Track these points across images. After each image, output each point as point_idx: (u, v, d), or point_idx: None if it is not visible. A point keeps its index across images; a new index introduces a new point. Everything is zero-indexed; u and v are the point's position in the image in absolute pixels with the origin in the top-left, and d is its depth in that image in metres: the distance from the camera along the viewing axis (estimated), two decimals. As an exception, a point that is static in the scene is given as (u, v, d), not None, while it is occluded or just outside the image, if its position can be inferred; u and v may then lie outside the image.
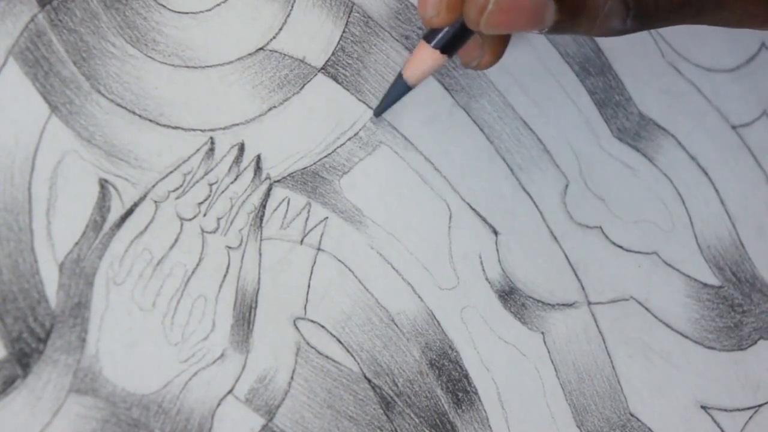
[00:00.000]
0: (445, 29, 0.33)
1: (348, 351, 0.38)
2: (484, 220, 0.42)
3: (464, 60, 0.37)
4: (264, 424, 0.36)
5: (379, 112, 0.40)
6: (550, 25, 0.29)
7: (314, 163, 0.39)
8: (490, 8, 0.28)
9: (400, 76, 0.36)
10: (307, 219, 0.39)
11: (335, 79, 0.41)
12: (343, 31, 0.41)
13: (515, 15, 0.28)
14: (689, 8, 0.30)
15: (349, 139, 0.40)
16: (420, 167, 0.41)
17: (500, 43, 0.35)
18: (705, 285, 0.45)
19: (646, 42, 0.47)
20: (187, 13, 0.39)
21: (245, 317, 0.37)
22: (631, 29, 0.30)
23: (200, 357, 0.36)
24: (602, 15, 0.29)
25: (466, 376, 0.39)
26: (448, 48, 0.33)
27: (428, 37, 0.34)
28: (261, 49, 0.40)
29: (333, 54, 0.41)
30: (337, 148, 0.40)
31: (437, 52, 0.33)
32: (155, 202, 0.37)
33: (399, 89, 0.37)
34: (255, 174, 0.38)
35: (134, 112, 0.37)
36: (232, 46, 0.39)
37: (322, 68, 0.40)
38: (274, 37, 0.40)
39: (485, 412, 0.39)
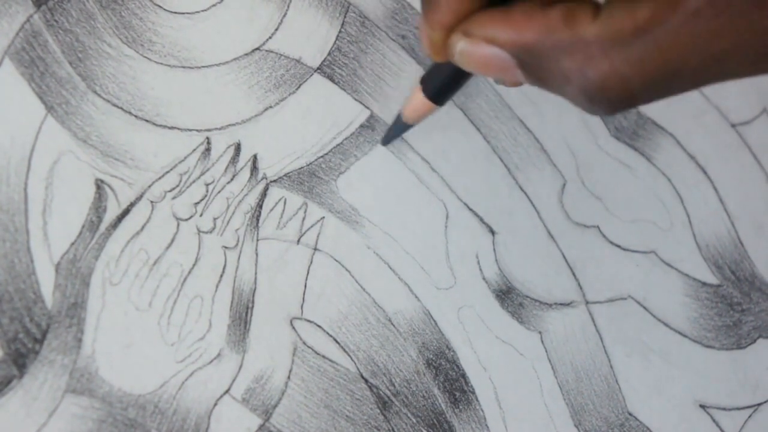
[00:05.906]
0: (439, 77, 0.32)
1: (345, 351, 0.38)
2: (481, 219, 0.42)
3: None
4: (261, 423, 0.36)
5: (386, 141, 0.40)
6: (525, 82, 0.27)
7: (311, 163, 0.39)
8: (456, 57, 0.27)
9: (400, 114, 0.36)
10: (303, 219, 0.39)
11: (331, 79, 0.40)
12: (340, 31, 0.41)
13: (482, 67, 0.27)
14: (681, 81, 0.23)
15: (346, 138, 0.40)
16: (417, 167, 0.41)
17: None
18: (704, 284, 0.45)
19: (644, 40, 0.47)
20: (183, 13, 0.39)
21: (242, 317, 0.37)
22: (613, 112, 0.26)
23: (197, 357, 0.36)
24: (570, 97, 0.26)
25: (464, 376, 0.39)
26: (438, 98, 0.33)
27: (425, 81, 0.33)
28: (257, 49, 0.40)
29: (329, 54, 0.41)
30: (334, 148, 0.40)
31: (428, 102, 0.33)
32: (151, 202, 0.37)
33: (401, 125, 0.36)
34: (251, 174, 0.38)
35: (130, 113, 0.37)
36: (228, 47, 0.39)
37: (318, 68, 0.40)
38: (270, 37, 0.40)
39: (482, 411, 0.39)
